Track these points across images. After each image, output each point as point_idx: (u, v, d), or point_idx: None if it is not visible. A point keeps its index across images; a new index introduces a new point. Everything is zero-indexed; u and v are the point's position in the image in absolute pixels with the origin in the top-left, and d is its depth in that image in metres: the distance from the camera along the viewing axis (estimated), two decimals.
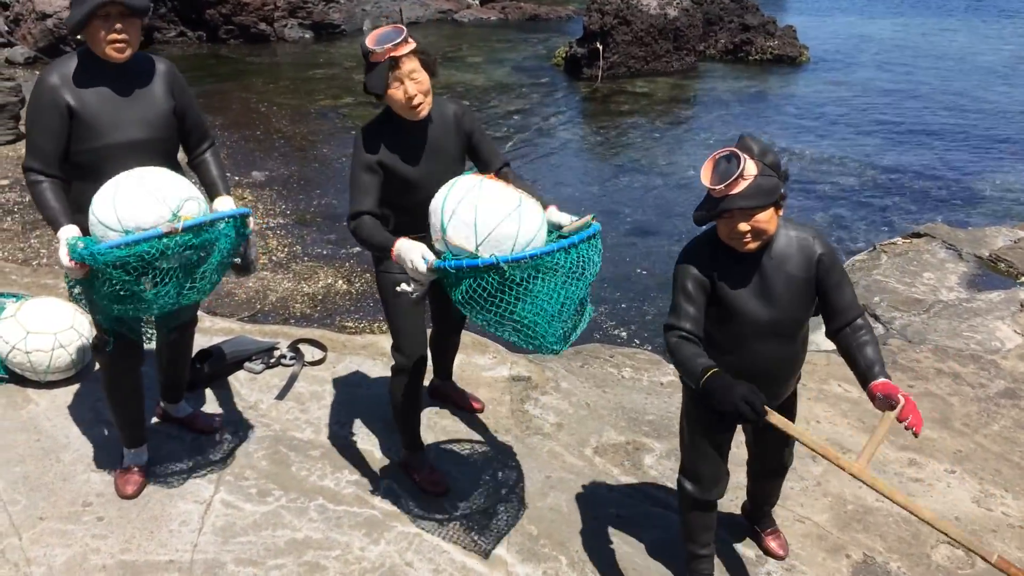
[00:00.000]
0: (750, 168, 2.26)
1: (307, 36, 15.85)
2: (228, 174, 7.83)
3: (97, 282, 2.56)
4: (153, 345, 3.19)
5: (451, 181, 2.61)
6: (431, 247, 2.58)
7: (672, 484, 3.40)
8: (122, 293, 2.54)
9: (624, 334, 5.44)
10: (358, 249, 6.51)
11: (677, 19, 13.19)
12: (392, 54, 2.67)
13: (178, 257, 2.54)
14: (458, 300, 2.47)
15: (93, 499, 3.12)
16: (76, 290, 2.73)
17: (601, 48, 12.71)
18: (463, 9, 19.01)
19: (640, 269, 6.44)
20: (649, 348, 5.05)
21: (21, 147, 8.25)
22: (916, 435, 2.33)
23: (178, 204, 2.57)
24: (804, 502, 3.33)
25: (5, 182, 7.48)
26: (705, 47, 14.19)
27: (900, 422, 2.30)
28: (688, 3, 13.48)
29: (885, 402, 2.33)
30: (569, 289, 2.47)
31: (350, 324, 5.35)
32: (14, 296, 4.24)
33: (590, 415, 3.88)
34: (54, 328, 3.64)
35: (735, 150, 2.30)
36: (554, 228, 2.71)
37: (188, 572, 2.83)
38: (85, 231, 2.72)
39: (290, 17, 15.82)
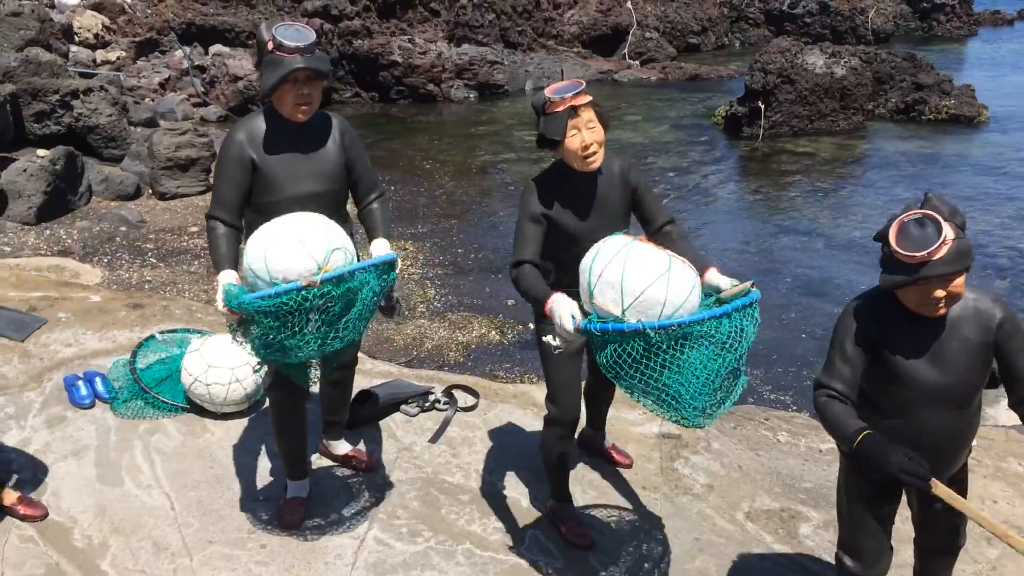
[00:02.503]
0: (949, 232, 2.16)
1: (471, 96, 16.47)
2: (393, 225, 8.14)
3: (249, 327, 2.70)
4: (317, 385, 3.37)
5: (600, 241, 2.61)
6: (582, 308, 2.59)
7: (830, 557, 3.23)
8: (269, 339, 2.65)
9: (781, 398, 5.26)
10: (512, 301, 6.63)
11: (844, 78, 12.82)
12: (572, 103, 2.77)
13: (320, 308, 2.61)
14: (603, 364, 2.44)
15: (258, 527, 3.30)
16: (234, 331, 2.83)
17: (763, 107, 12.52)
18: (623, 69, 19.25)
19: (800, 332, 6.21)
20: (807, 413, 4.84)
21: (210, 197, 8.98)
22: None
23: (325, 256, 2.65)
24: None
25: (194, 229, 8.12)
26: (874, 106, 13.69)
27: None
28: (857, 62, 13.09)
29: None
30: (719, 360, 2.38)
31: (501, 374, 5.43)
32: (199, 332, 4.59)
33: (742, 478, 3.76)
34: (232, 363, 3.90)
35: (929, 213, 2.19)
36: (712, 291, 2.67)
37: None
38: None
39: (457, 78, 16.51)
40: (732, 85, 17.02)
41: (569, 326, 2.53)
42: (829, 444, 4.12)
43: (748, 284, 2.57)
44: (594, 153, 2.83)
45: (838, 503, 2.64)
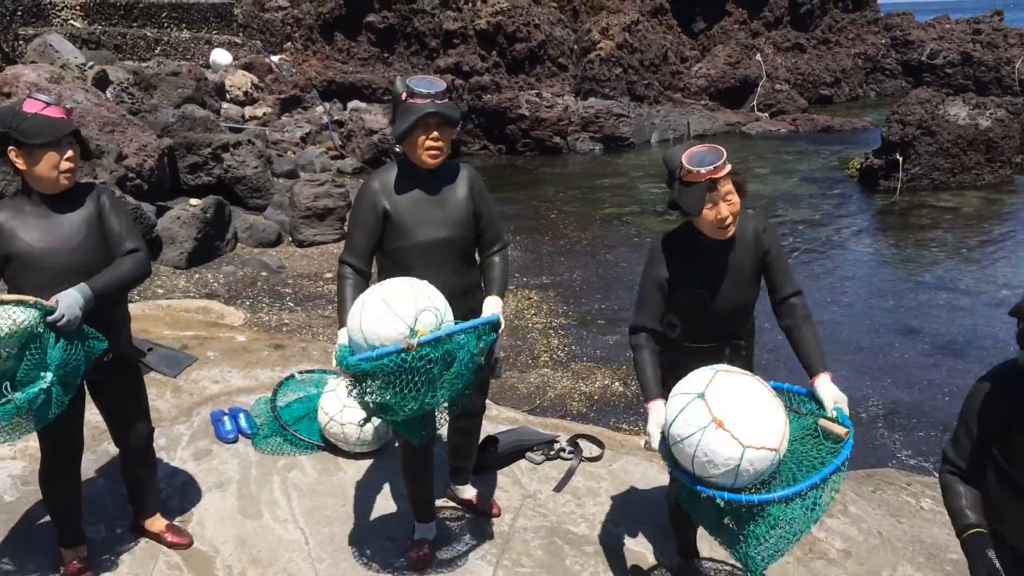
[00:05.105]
0: None
1: (596, 149, 16.63)
2: (518, 275, 8.20)
3: (362, 386, 2.74)
4: (445, 430, 3.44)
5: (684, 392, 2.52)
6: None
7: None
8: (374, 398, 2.70)
9: (923, 463, 4.98)
10: None
11: (990, 129, 12.26)
12: (712, 176, 2.69)
13: (419, 369, 2.64)
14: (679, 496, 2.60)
15: (386, 566, 3.36)
16: (351, 390, 2.85)
17: (901, 159, 12.10)
18: (752, 121, 19.02)
19: (942, 394, 5.90)
20: None
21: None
22: None
23: (414, 318, 2.69)
24: None
25: (329, 275, 8.47)
26: (1023, 159, 13.02)
27: None
28: (1003, 113, 12.50)
29: None
30: (789, 529, 2.37)
31: (625, 426, 5.38)
32: (335, 374, 4.76)
33: (882, 545, 3.57)
34: None
35: None
36: (815, 404, 2.67)
37: None
38: None
39: (582, 131, 16.73)
40: (867, 137, 16.55)
41: (654, 444, 2.66)
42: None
43: (844, 432, 2.53)
44: (729, 224, 2.75)
45: None
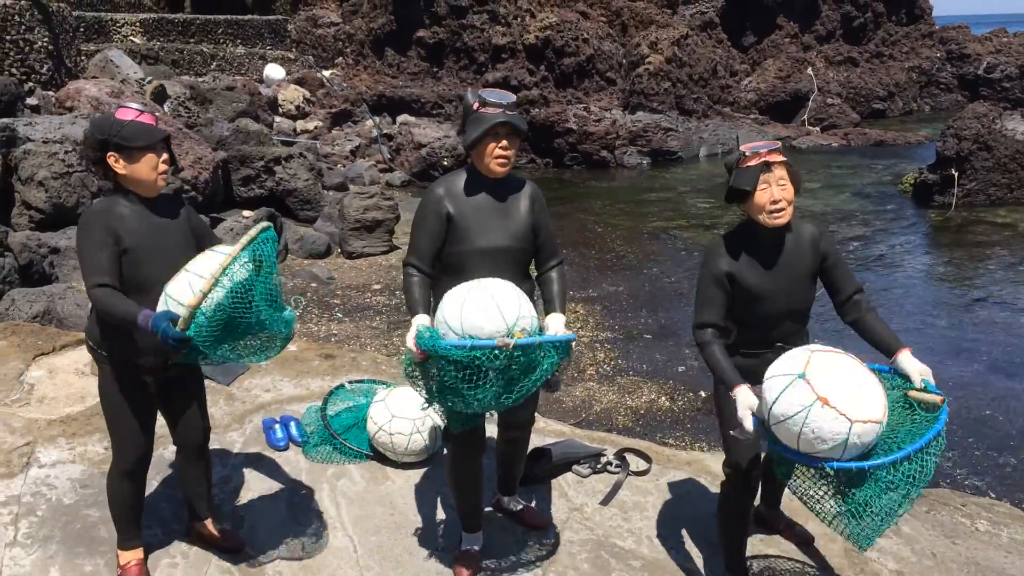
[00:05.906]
0: None
1: (644, 163, 16.58)
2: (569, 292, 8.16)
3: (430, 369, 2.85)
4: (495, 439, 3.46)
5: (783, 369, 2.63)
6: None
7: None
8: (447, 384, 2.80)
9: (978, 483, 4.87)
10: (682, 368, 6.54)
11: None
12: (767, 159, 2.85)
13: (504, 368, 2.75)
14: (780, 475, 2.74)
15: None
16: (410, 369, 2.99)
17: (956, 174, 11.87)
18: (802, 136, 18.82)
19: (998, 413, 5.76)
20: (1008, 502, 4.46)
21: (393, 257, 9.45)
22: None
23: (515, 321, 2.81)
24: None
25: (377, 287, 8.56)
26: None
27: None
28: None
29: None
30: (897, 496, 2.44)
31: (672, 441, 5.35)
32: (384, 384, 4.82)
33: (936, 566, 3.50)
34: (414, 415, 4.06)
35: None
36: (901, 378, 2.76)
37: None
38: None
39: (630, 145, 16.70)
40: (921, 152, 16.27)
41: (748, 425, 2.67)
42: None
43: (939, 399, 2.60)
44: (782, 209, 2.87)
45: None
